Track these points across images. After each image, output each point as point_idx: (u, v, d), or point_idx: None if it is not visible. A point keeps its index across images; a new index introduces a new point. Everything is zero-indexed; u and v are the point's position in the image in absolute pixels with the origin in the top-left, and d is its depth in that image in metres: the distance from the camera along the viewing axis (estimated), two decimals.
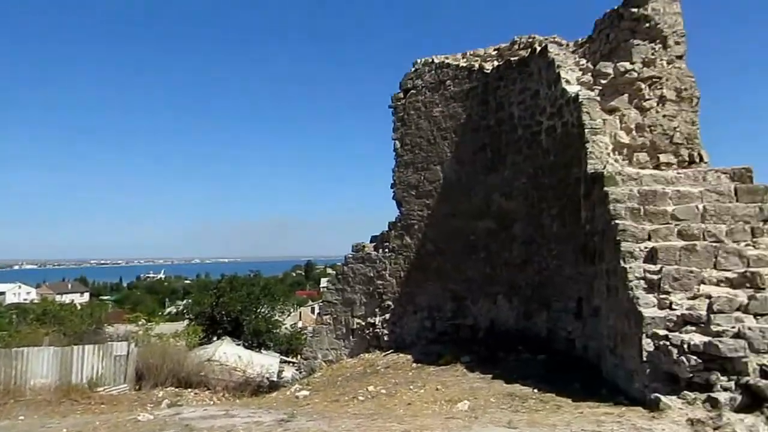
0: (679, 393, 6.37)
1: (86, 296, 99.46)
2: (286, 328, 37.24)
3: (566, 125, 11.19)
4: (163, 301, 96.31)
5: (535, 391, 8.50)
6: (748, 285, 7.31)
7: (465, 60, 15.60)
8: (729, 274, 7.57)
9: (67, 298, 63.33)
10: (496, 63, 14.68)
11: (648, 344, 6.97)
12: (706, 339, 6.51)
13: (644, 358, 6.93)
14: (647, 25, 11.01)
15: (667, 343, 6.72)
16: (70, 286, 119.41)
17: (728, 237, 8.22)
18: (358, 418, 7.80)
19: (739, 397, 5.99)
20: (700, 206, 8.51)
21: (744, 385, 6.04)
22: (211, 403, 14.47)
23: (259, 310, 34.16)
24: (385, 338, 15.35)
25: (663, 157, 10.54)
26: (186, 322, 34.46)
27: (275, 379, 20.29)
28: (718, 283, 7.51)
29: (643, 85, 10.82)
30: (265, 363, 23.57)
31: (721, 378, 6.21)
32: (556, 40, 13.71)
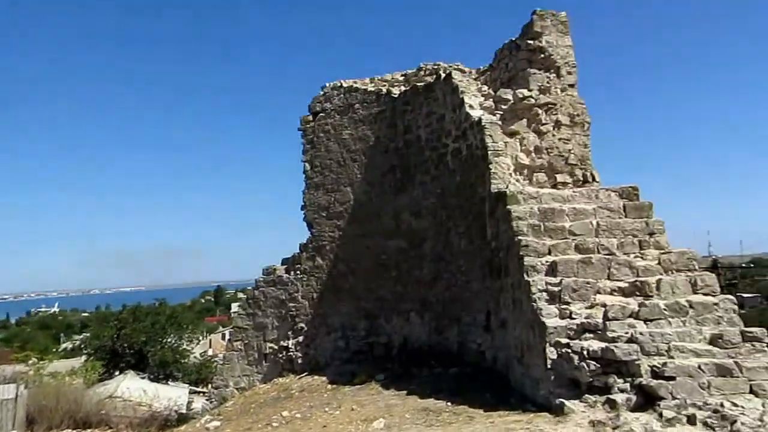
0: (581, 397, 6.79)
1: None
2: (195, 357, 35.85)
3: (471, 147, 11.72)
4: (58, 336, 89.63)
5: (449, 404, 8.74)
6: (638, 293, 7.94)
7: (373, 84, 15.96)
8: (621, 284, 8.19)
9: None
10: (403, 88, 15.12)
11: (551, 352, 7.39)
12: (603, 345, 7.00)
13: (548, 366, 7.34)
14: (542, 55, 11.80)
15: (569, 350, 7.16)
16: None
17: (619, 250, 8.92)
18: None
19: (634, 398, 6.48)
20: (594, 222, 9.18)
21: (638, 386, 6.55)
22: None
23: (165, 340, 32.68)
24: (299, 361, 15.19)
25: (560, 177, 11.25)
26: (84, 357, 32.39)
27: (184, 411, 19.46)
28: (611, 293, 8.10)
29: (540, 111, 11.54)
30: (172, 395, 22.52)
31: (618, 380, 6.69)
32: (459, 67, 14.35)
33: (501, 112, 11.58)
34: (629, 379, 6.67)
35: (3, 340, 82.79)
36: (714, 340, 7.02)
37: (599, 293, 8.06)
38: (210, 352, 42.57)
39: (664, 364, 6.58)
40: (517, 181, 10.84)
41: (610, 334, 7.14)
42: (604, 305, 7.63)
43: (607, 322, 7.30)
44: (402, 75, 16.06)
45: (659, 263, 8.55)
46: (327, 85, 16.26)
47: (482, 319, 11.15)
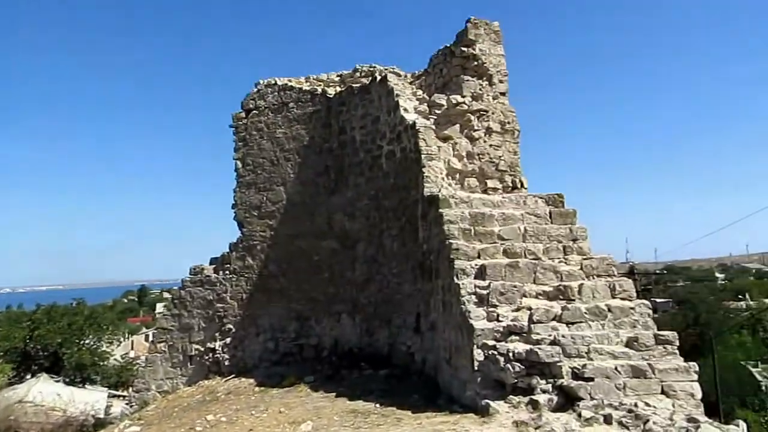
0: (506, 398, 6.96)
1: None
2: (115, 359, 34.37)
3: (405, 150, 11.84)
4: None
5: (377, 405, 8.79)
6: (561, 297, 8.25)
7: (308, 84, 15.85)
8: (546, 288, 8.48)
9: None
10: (338, 89, 15.11)
11: (479, 354, 7.56)
12: (527, 347, 7.22)
13: (476, 368, 7.50)
14: (475, 63, 12.05)
15: (495, 352, 7.34)
16: None
17: (545, 255, 9.24)
18: None
19: (555, 398, 6.70)
20: (522, 227, 9.47)
21: (559, 387, 6.79)
22: None
23: (83, 342, 31.16)
24: (226, 363, 14.87)
25: (490, 183, 11.54)
26: None
27: (102, 416, 18.64)
28: (537, 296, 8.37)
29: (472, 117, 11.79)
30: (90, 399, 21.46)
31: (541, 382, 6.91)
32: (395, 70, 14.46)
33: (435, 117, 11.75)
34: (551, 380, 6.90)
35: None
36: (630, 343, 7.36)
37: (525, 297, 8.31)
38: (132, 354, 40.98)
39: (584, 365, 6.84)
40: (450, 185, 11.03)
41: (534, 337, 7.37)
42: (530, 308, 7.86)
43: (532, 325, 7.54)
44: (338, 75, 16.04)
45: (581, 268, 8.92)
46: (261, 82, 16.01)
47: (412, 321, 11.29)
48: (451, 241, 9.09)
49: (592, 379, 6.71)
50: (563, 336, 7.23)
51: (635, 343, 7.31)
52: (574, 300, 8.13)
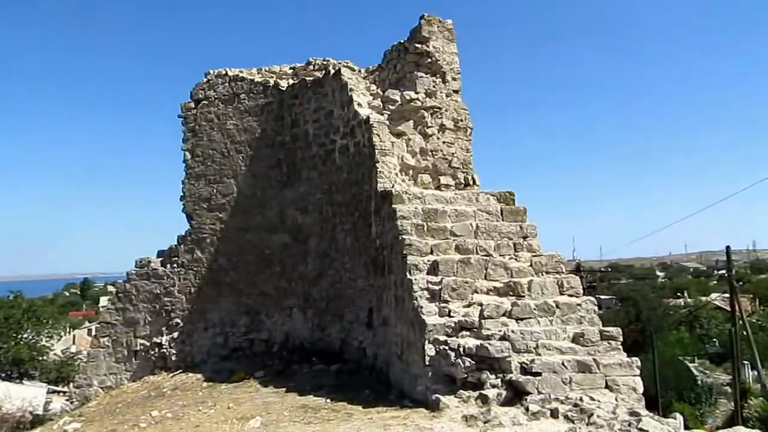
0: (456, 393, 7.05)
1: None
2: (55, 354, 33.24)
3: (358, 145, 11.80)
4: None
5: (328, 401, 8.75)
6: (511, 293, 8.38)
7: (260, 75, 15.60)
8: (497, 284, 8.60)
9: None
10: (291, 81, 14.92)
11: (430, 349, 7.61)
12: (478, 342, 7.31)
13: (427, 362, 7.54)
14: (429, 60, 12.10)
15: (446, 347, 7.41)
16: None
17: (496, 251, 9.37)
18: None
19: (504, 393, 6.83)
20: (474, 224, 9.58)
21: (508, 381, 6.91)
22: None
23: (20, 336, 30.03)
24: (173, 358, 14.54)
25: (443, 179, 11.62)
26: None
27: (40, 412, 18.02)
28: (488, 292, 8.49)
29: (426, 114, 11.84)
30: (27, 395, 20.76)
31: (490, 376, 7.02)
32: (349, 65, 14.39)
33: (388, 113, 11.74)
34: (500, 375, 7.02)
35: None
36: (576, 339, 7.55)
37: (477, 292, 8.41)
38: (73, 349, 39.69)
39: (532, 360, 6.98)
40: (403, 181, 11.06)
41: (485, 332, 7.47)
42: (481, 304, 7.95)
43: (483, 321, 7.63)
44: (290, 68, 15.85)
45: (531, 265, 9.08)
46: (210, 72, 15.67)
47: (365, 317, 11.28)
48: (404, 236, 9.12)
49: (539, 374, 6.85)
50: (513, 331, 7.35)
51: (581, 339, 7.49)
52: (523, 296, 8.27)
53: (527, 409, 6.39)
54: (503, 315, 7.76)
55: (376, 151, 10.77)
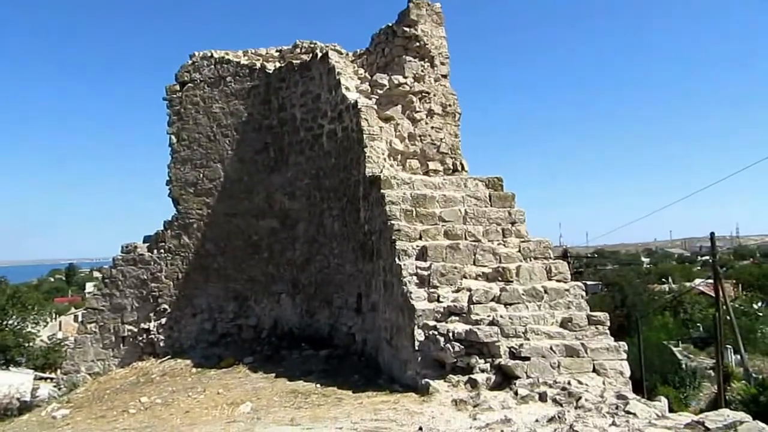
0: (445, 377, 7.09)
1: None
2: (41, 340, 32.99)
3: (346, 130, 11.72)
4: None
5: (318, 386, 8.77)
6: (500, 278, 8.40)
7: (246, 58, 15.40)
8: (485, 270, 8.62)
9: None
10: (278, 64, 14.74)
11: (419, 334, 7.63)
12: (467, 327, 7.34)
13: (416, 347, 7.57)
14: (417, 44, 11.98)
15: (435, 332, 7.44)
16: None
17: (484, 237, 9.37)
18: None
19: (493, 377, 6.87)
20: (462, 209, 9.57)
21: (497, 366, 6.95)
22: None
23: (5, 323, 29.76)
24: (161, 344, 14.48)
25: (431, 165, 11.57)
26: None
27: (28, 399, 17.89)
28: (476, 278, 8.50)
29: (414, 98, 11.75)
30: (14, 382, 20.59)
31: (479, 361, 7.06)
32: (336, 48, 14.22)
33: (377, 97, 11.65)
34: (489, 360, 7.06)
35: None
36: (564, 323, 7.59)
37: (465, 278, 8.43)
38: (60, 335, 39.44)
39: (521, 345, 7.02)
40: (391, 166, 11.00)
41: (473, 317, 7.49)
42: (470, 290, 7.97)
43: (472, 306, 7.65)
44: (277, 51, 15.65)
45: (519, 251, 9.11)
46: (196, 54, 15.43)
47: (354, 302, 11.28)
48: (392, 222, 9.09)
49: (528, 359, 6.89)
50: (501, 316, 7.38)
51: (569, 324, 7.53)
52: (512, 281, 8.30)
53: (516, 393, 6.43)
54: (492, 300, 7.78)
55: (364, 135, 10.70)
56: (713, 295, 25.40)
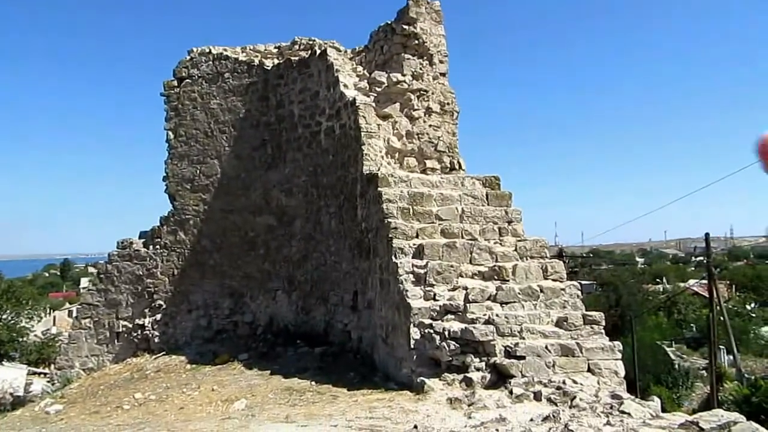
0: (440, 375, 7.09)
1: None
2: (35, 335, 32.91)
3: (344, 127, 11.71)
4: None
5: (313, 383, 8.77)
6: (496, 277, 8.41)
7: (245, 54, 15.37)
8: (482, 268, 8.63)
9: None
10: (276, 60, 14.73)
11: (415, 333, 7.64)
12: (463, 326, 7.34)
13: (412, 346, 7.58)
14: (416, 42, 11.98)
15: (431, 331, 7.44)
16: None
17: (481, 235, 9.39)
18: (122, 430, 7.30)
19: (488, 376, 6.88)
20: (459, 208, 9.58)
21: (492, 364, 6.96)
22: None
23: (0, 317, 29.67)
24: (156, 340, 14.46)
25: (429, 163, 11.58)
26: None
27: (21, 394, 17.87)
28: (473, 276, 8.51)
29: (412, 96, 11.76)
30: (7, 377, 20.59)
31: (475, 360, 7.06)
32: (335, 45, 14.21)
33: (375, 95, 11.65)
34: (485, 359, 7.06)
35: None
36: (560, 323, 7.60)
37: (461, 276, 8.44)
38: (54, 331, 39.33)
39: (516, 344, 7.03)
40: (389, 164, 11.01)
41: (469, 316, 7.50)
42: (466, 288, 7.99)
43: (468, 305, 7.66)
44: (276, 47, 15.63)
45: (516, 250, 9.12)
46: (194, 49, 15.41)
47: (350, 300, 11.28)
48: (389, 220, 9.10)
49: (523, 358, 6.90)
50: (497, 315, 7.39)
51: (565, 323, 7.55)
52: (508, 280, 8.31)
53: (511, 392, 6.43)
54: (488, 299, 7.79)
55: (362, 133, 10.69)
56: (707, 295, 25.49)
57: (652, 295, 45.01)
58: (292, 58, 14.18)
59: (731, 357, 28.79)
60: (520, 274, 8.43)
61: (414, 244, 8.80)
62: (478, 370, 6.96)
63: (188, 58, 15.35)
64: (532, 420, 5.46)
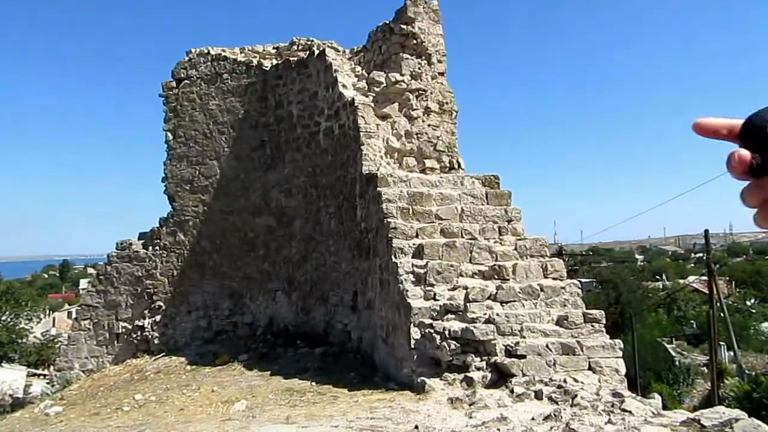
0: (441, 375, 7.09)
1: None
2: (35, 336, 32.84)
3: (343, 127, 11.69)
4: None
5: (313, 384, 8.76)
6: (496, 276, 8.41)
7: (243, 55, 15.35)
8: (482, 267, 8.62)
9: None
10: (275, 61, 14.71)
11: (415, 332, 7.63)
12: (463, 325, 7.34)
13: (412, 345, 7.57)
14: (414, 41, 11.96)
15: (432, 330, 7.43)
16: None
17: (481, 235, 9.37)
18: None
19: (489, 375, 6.88)
20: (459, 207, 9.56)
21: (493, 364, 6.95)
22: None
23: None
24: (156, 341, 14.44)
25: (428, 163, 11.57)
26: None
27: (20, 395, 17.84)
28: (473, 276, 8.50)
29: (411, 96, 11.74)
30: (7, 378, 20.55)
31: (475, 359, 7.06)
32: (333, 45, 14.19)
33: (373, 95, 11.63)
34: (486, 358, 7.06)
35: None
36: (560, 321, 7.61)
37: (462, 276, 8.43)
38: (53, 332, 39.27)
39: (517, 343, 7.03)
40: (388, 164, 11.00)
41: (470, 315, 7.49)
42: (466, 288, 7.98)
43: (468, 304, 7.66)
44: (274, 48, 15.62)
45: (516, 249, 9.11)
46: (192, 50, 15.39)
47: (349, 300, 11.26)
48: (389, 219, 9.08)
49: (524, 356, 6.90)
50: (498, 314, 7.38)
51: (565, 322, 7.55)
52: (508, 279, 8.31)
53: (512, 391, 6.43)
54: (488, 298, 7.78)
55: (361, 133, 10.68)
56: (707, 292, 25.47)
57: (651, 293, 44.96)
58: (291, 58, 14.16)
59: (732, 353, 28.77)
60: (520, 272, 8.42)
61: (414, 244, 8.79)
62: (478, 369, 6.96)
63: (186, 59, 15.33)
64: (533, 419, 5.46)
